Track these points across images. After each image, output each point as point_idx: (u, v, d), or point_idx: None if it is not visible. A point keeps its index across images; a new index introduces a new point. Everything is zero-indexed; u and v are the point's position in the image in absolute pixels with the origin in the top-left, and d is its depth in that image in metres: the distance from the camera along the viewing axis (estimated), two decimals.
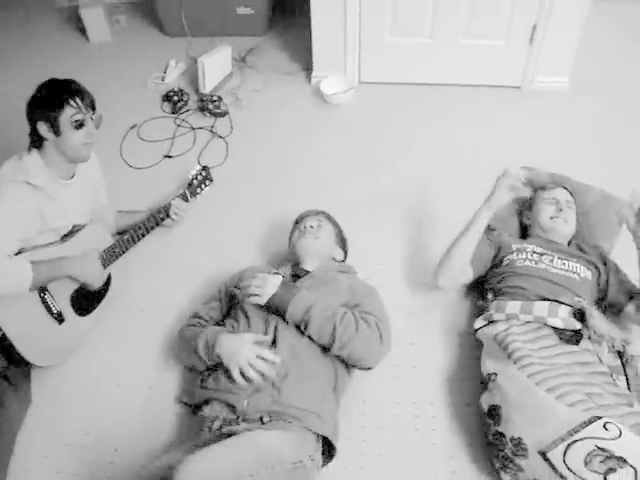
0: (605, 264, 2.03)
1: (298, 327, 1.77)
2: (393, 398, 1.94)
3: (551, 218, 2.13)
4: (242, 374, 1.68)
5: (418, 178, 2.66)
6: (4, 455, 1.82)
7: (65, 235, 2.05)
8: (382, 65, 3.09)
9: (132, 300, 2.26)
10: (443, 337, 2.10)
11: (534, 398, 1.62)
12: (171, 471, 1.38)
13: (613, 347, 1.79)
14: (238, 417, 1.65)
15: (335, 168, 2.73)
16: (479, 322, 1.93)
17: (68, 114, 1.89)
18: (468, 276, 2.06)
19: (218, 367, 1.78)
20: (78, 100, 1.91)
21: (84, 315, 2.10)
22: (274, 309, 1.78)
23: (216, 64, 3.05)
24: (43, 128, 1.90)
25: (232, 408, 1.67)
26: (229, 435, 1.57)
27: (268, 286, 1.78)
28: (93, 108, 1.98)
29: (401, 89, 3.12)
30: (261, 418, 1.63)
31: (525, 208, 2.32)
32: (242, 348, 1.71)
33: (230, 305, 2.01)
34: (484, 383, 1.79)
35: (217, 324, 1.98)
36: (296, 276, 2.00)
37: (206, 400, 1.75)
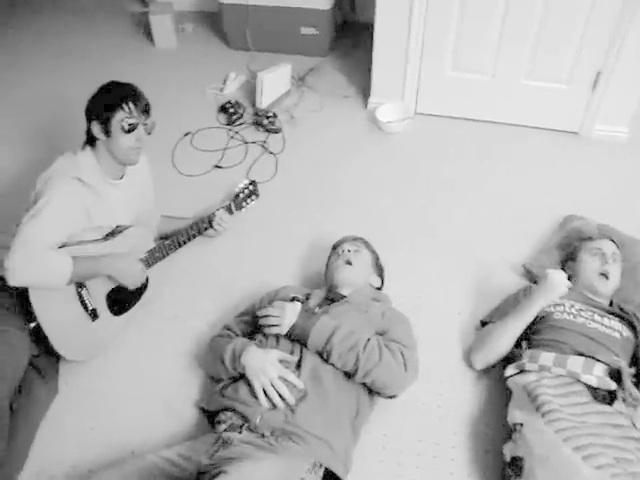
0: None
1: (321, 355, 1.77)
2: (415, 435, 1.90)
3: (597, 274, 2.07)
4: (264, 391, 1.69)
5: (466, 219, 2.62)
6: (26, 441, 1.86)
7: (108, 234, 2.08)
8: (440, 98, 3.08)
9: (166, 305, 2.28)
10: (473, 379, 2.05)
11: (560, 455, 1.56)
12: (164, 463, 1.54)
13: None
14: (243, 425, 1.64)
15: (381, 196, 2.72)
16: (510, 370, 1.88)
17: (120, 117, 1.94)
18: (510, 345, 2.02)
19: (240, 378, 1.78)
20: (131, 105, 1.95)
21: (118, 314, 2.13)
22: (295, 339, 1.78)
23: (275, 81, 3.10)
24: (96, 128, 1.96)
25: (245, 419, 1.66)
26: (224, 442, 1.59)
27: (287, 316, 1.78)
28: (147, 113, 2.02)
29: (457, 124, 3.10)
30: (271, 433, 1.62)
31: (569, 258, 2.26)
32: (267, 366, 1.72)
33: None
34: (509, 432, 1.75)
35: (247, 337, 1.99)
36: (331, 300, 1.99)
37: (223, 408, 1.75)
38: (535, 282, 2.29)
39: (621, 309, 2.04)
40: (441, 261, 2.44)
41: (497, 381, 2.00)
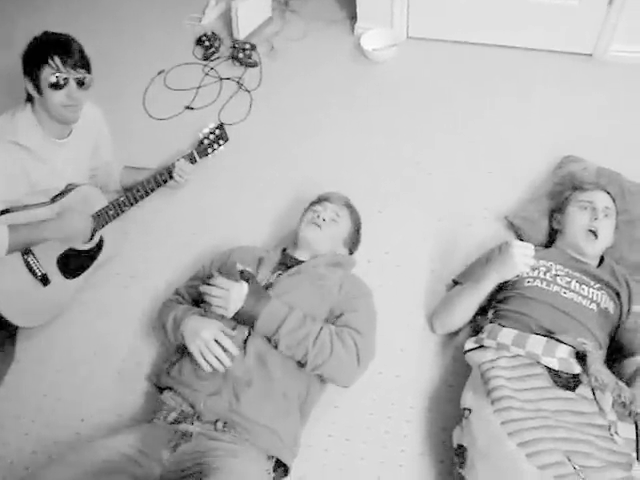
0: (630, 302, 1.73)
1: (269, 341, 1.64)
2: (367, 408, 1.79)
3: (585, 231, 1.83)
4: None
5: (455, 161, 2.36)
6: None
7: (56, 196, 1.97)
8: (435, 19, 2.74)
9: (124, 265, 2.19)
10: (439, 347, 1.90)
11: (502, 451, 1.42)
12: (121, 457, 1.43)
13: (619, 397, 1.53)
14: (194, 414, 1.56)
15: (367, 137, 2.48)
16: (469, 343, 1.69)
17: (47, 73, 1.78)
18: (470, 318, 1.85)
19: (185, 355, 1.69)
20: (58, 60, 1.78)
21: (72, 278, 2.06)
22: (241, 322, 1.64)
23: (252, 8, 2.81)
24: (29, 85, 1.84)
25: (192, 406, 1.59)
26: (183, 435, 1.51)
27: (232, 300, 1.61)
28: (81, 67, 1.84)
29: (454, 48, 2.77)
30: (216, 422, 1.54)
31: (557, 209, 2.01)
32: (203, 330, 1.62)
33: None
34: (460, 415, 1.60)
35: (197, 304, 1.88)
36: (285, 266, 1.84)
37: (169, 387, 1.67)
38: (520, 237, 2.07)
39: (613, 273, 1.81)
40: (419, 211, 2.23)
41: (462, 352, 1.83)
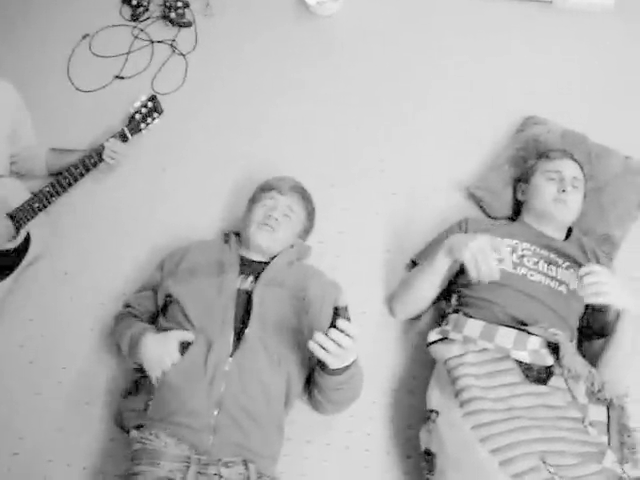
0: None
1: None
2: None
3: (552, 200, 1.71)
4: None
5: (420, 124, 2.17)
6: None
7: None
8: None
9: (56, 261, 1.99)
10: (399, 334, 1.79)
11: (473, 459, 1.33)
12: None
13: (592, 385, 1.45)
14: (189, 456, 1.40)
15: (314, 103, 2.26)
16: (433, 335, 1.58)
17: None
18: (432, 300, 1.72)
19: (159, 388, 1.49)
20: None
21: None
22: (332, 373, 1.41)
23: None
24: None
25: (192, 446, 1.41)
26: None
27: (350, 353, 1.36)
28: None
29: None
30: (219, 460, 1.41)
31: (522, 179, 1.87)
32: (164, 356, 1.47)
33: (167, 299, 1.66)
34: (426, 417, 1.50)
35: (152, 317, 1.71)
36: (247, 267, 1.67)
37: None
38: (483, 209, 1.95)
39: (581, 246, 1.71)
40: (374, 184, 2.06)
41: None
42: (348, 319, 1.32)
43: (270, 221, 1.69)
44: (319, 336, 1.30)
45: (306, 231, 1.84)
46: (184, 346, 1.50)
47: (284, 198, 1.75)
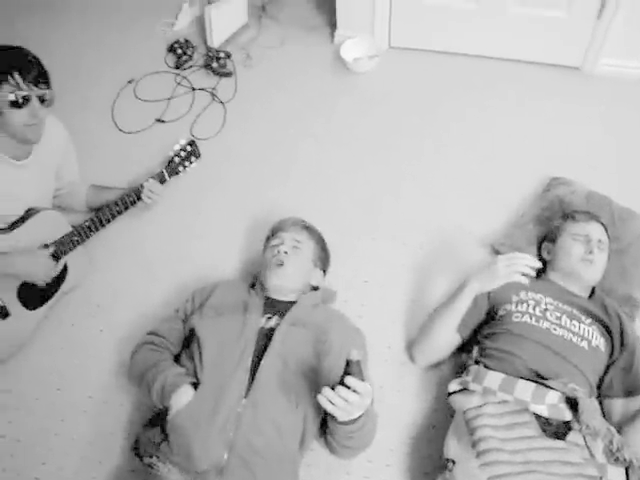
0: (622, 338, 1.65)
1: None
2: None
3: (579, 260, 1.75)
4: None
5: (448, 178, 2.26)
6: None
7: (15, 222, 1.85)
8: (417, 29, 2.64)
9: (90, 293, 2.06)
10: (419, 384, 1.80)
11: None
12: None
13: (611, 444, 1.45)
14: None
15: (345, 154, 2.36)
16: (454, 385, 1.60)
17: (6, 91, 1.65)
18: (453, 346, 1.75)
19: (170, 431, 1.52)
20: (17, 76, 1.65)
21: (34, 308, 1.94)
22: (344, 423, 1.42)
23: (227, 14, 2.68)
24: None
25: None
26: None
27: (357, 408, 1.38)
28: (42, 83, 1.71)
29: (437, 59, 2.66)
30: None
31: (548, 238, 1.92)
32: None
33: (191, 333, 1.71)
34: (443, 465, 1.52)
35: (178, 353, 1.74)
36: (271, 306, 1.71)
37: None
38: None
39: (604, 306, 1.73)
40: (400, 235, 2.12)
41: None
42: (360, 373, 1.35)
43: (279, 256, 1.76)
44: (327, 391, 1.33)
45: (321, 259, 1.88)
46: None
47: (288, 233, 1.82)
